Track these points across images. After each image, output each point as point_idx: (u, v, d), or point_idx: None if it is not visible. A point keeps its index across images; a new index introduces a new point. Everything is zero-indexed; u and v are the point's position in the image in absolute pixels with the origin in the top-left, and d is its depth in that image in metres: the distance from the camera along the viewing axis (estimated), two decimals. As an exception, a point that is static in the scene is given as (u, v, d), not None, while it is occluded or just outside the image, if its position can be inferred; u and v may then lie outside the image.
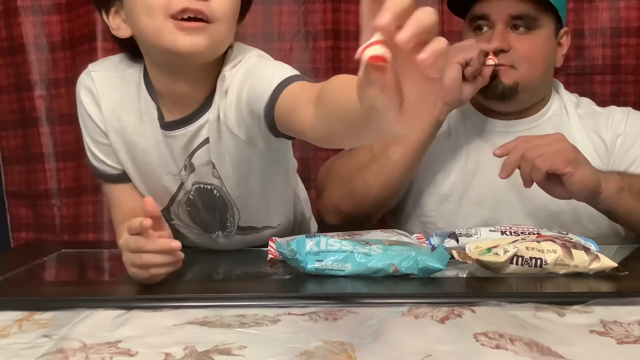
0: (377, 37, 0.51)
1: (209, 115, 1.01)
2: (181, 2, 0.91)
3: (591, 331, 0.73)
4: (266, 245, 1.07)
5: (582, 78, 1.71)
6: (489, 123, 1.37)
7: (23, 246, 1.74)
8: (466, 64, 1.21)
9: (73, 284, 1.03)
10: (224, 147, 1.02)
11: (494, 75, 1.26)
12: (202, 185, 1.07)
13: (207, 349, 0.67)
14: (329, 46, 1.76)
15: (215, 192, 1.08)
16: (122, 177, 1.10)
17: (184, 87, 1.00)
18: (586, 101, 1.41)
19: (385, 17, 0.49)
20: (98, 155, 1.10)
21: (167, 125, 1.03)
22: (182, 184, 1.08)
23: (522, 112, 1.36)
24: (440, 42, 0.49)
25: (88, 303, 0.82)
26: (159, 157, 1.06)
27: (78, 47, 1.78)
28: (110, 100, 1.07)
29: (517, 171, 1.27)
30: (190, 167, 1.05)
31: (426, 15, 0.49)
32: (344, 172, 1.32)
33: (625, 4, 1.72)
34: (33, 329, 0.76)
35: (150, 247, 0.86)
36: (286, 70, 0.93)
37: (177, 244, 0.87)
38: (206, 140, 1.02)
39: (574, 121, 1.35)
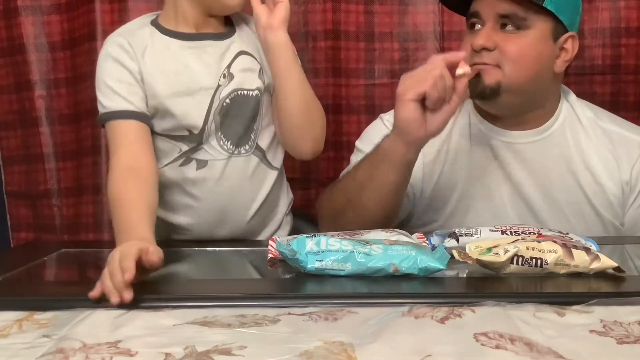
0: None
1: (235, 38, 1.25)
2: None
3: (591, 331, 0.73)
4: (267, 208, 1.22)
5: (582, 78, 1.70)
6: (489, 129, 1.33)
7: (23, 246, 1.74)
8: (423, 96, 1.09)
9: (73, 284, 1.03)
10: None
11: (477, 74, 1.22)
12: (240, 92, 1.23)
13: (207, 349, 0.67)
14: (329, 46, 1.76)
15: (256, 94, 1.24)
16: (137, 115, 1.19)
17: (213, 24, 1.25)
18: (605, 117, 1.35)
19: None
20: (120, 92, 1.19)
21: (195, 37, 1.23)
22: (215, 93, 1.21)
23: (522, 121, 1.31)
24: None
25: (88, 303, 0.82)
26: (193, 73, 1.21)
27: (78, 47, 1.78)
28: (138, 45, 1.21)
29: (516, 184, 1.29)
30: (230, 76, 1.23)
31: None
32: (328, 212, 1.29)
33: (625, 4, 1.72)
34: (33, 329, 0.76)
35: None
36: None
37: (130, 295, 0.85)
38: (239, 54, 1.24)
39: (586, 136, 1.31)
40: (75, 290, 0.94)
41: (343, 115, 1.78)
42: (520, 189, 1.30)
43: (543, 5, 1.22)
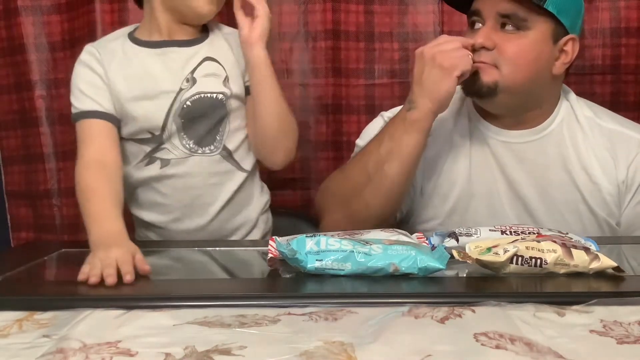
0: None
1: (203, 46, 1.29)
2: None
3: (591, 331, 0.73)
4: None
5: (582, 78, 1.70)
6: (488, 128, 1.33)
7: (23, 246, 1.74)
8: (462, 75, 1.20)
9: (73, 284, 1.02)
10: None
11: (475, 72, 1.23)
12: (202, 95, 1.27)
13: (207, 349, 0.67)
14: (329, 46, 1.76)
15: (220, 97, 1.27)
16: (104, 115, 1.26)
17: (185, 31, 1.30)
18: (605, 116, 1.35)
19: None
20: (89, 94, 1.26)
21: (160, 44, 1.28)
22: (177, 96, 1.25)
23: (520, 121, 1.31)
24: None
25: (88, 303, 0.82)
26: (156, 77, 1.26)
27: (78, 47, 1.76)
28: (107, 53, 1.29)
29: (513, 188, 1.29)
30: (192, 81, 1.27)
31: None
32: (341, 195, 1.31)
33: (625, 4, 1.72)
34: (33, 329, 0.76)
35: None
36: None
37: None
38: (205, 59, 1.28)
39: (584, 135, 1.31)
40: (75, 290, 0.94)
41: (343, 115, 1.78)
42: (518, 188, 1.31)
43: (544, 6, 1.21)
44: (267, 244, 1.05)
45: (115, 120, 1.27)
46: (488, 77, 1.24)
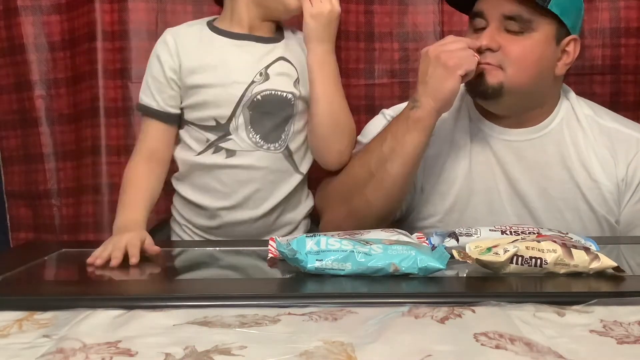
0: None
1: (280, 44, 1.34)
2: None
3: (591, 331, 0.73)
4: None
5: (582, 78, 1.70)
6: (488, 127, 1.34)
7: (23, 246, 1.73)
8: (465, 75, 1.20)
9: (73, 284, 1.03)
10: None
11: (480, 73, 1.24)
12: (273, 92, 1.31)
13: (207, 349, 0.67)
14: (329, 46, 1.76)
15: (289, 97, 1.32)
16: (166, 117, 1.33)
17: (264, 29, 1.35)
18: (604, 114, 1.36)
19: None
20: (152, 89, 1.33)
21: (238, 36, 1.33)
22: (248, 88, 1.29)
23: (521, 120, 1.32)
24: None
25: (88, 303, 0.82)
26: (230, 67, 1.30)
27: (78, 47, 1.78)
28: (185, 40, 1.33)
29: (514, 184, 1.29)
30: (265, 76, 1.31)
31: None
32: (343, 192, 1.31)
33: (625, 4, 1.72)
34: (33, 329, 0.76)
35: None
36: None
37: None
38: (279, 58, 1.32)
39: (584, 134, 1.32)
40: (75, 290, 0.94)
41: (343, 115, 1.78)
42: (517, 186, 1.31)
43: (548, 7, 1.21)
44: (267, 244, 1.05)
45: (172, 119, 1.33)
46: (493, 78, 1.24)
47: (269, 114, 1.31)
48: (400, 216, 1.37)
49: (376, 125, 1.37)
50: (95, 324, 0.75)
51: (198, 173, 1.34)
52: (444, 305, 0.79)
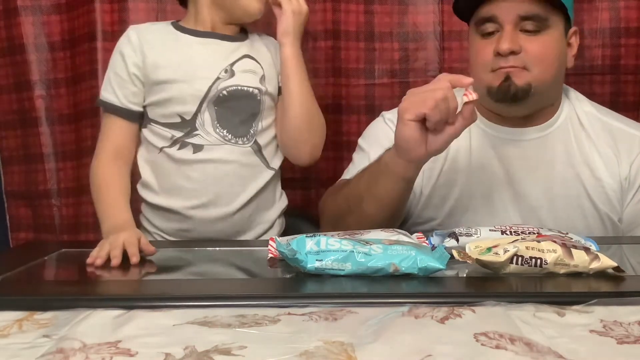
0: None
1: (246, 43, 1.35)
2: None
3: (591, 331, 0.73)
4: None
5: (582, 78, 1.70)
6: (491, 128, 1.33)
7: (23, 246, 1.73)
8: (424, 117, 1.07)
9: (73, 284, 1.02)
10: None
11: (506, 77, 1.23)
12: (239, 87, 1.31)
13: (207, 349, 0.67)
14: (329, 46, 1.76)
15: (254, 92, 1.33)
16: (127, 114, 1.32)
17: (228, 29, 1.35)
18: (605, 112, 1.36)
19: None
20: (114, 85, 1.32)
21: (203, 34, 1.34)
22: (214, 84, 1.29)
23: (530, 119, 1.32)
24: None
25: (88, 303, 0.82)
26: (194, 64, 1.30)
27: (78, 47, 1.78)
28: (149, 36, 1.33)
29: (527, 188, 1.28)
30: (230, 72, 1.31)
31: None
32: (329, 216, 1.32)
33: (625, 4, 1.72)
34: (33, 329, 0.76)
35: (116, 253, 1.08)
36: None
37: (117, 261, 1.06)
38: (244, 56, 1.33)
39: (585, 131, 1.32)
40: (75, 290, 0.94)
41: (343, 115, 1.78)
42: (520, 187, 1.31)
43: (562, 0, 1.22)
44: (267, 244, 1.05)
45: (134, 116, 1.33)
46: (521, 80, 1.24)
47: (235, 109, 1.32)
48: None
49: (376, 128, 1.37)
50: (95, 324, 0.75)
51: (164, 173, 1.33)
52: (444, 305, 0.79)
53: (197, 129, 1.30)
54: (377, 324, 0.74)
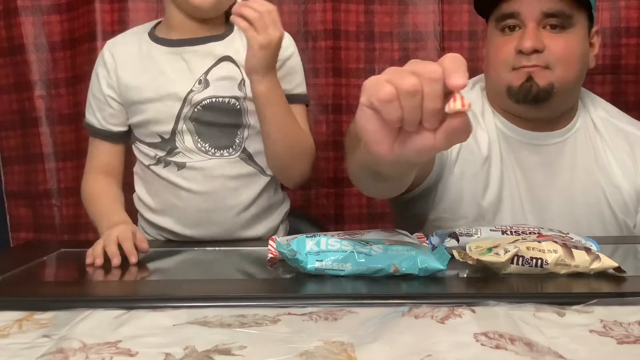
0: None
1: (225, 42, 1.24)
2: None
3: (591, 331, 0.73)
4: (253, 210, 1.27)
5: (582, 78, 1.70)
6: (512, 130, 1.28)
7: (23, 246, 1.73)
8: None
9: (73, 284, 1.02)
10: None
11: (528, 77, 1.19)
12: (215, 100, 1.22)
13: (207, 349, 0.67)
14: (329, 46, 1.76)
15: (232, 102, 1.23)
16: (109, 136, 1.29)
17: (201, 28, 1.24)
18: (618, 115, 1.33)
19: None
20: (94, 107, 1.29)
21: (175, 43, 1.25)
22: (186, 98, 1.22)
23: (551, 122, 1.28)
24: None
25: (88, 303, 0.82)
26: (167, 79, 1.23)
27: (78, 47, 1.78)
28: (123, 54, 1.27)
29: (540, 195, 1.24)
30: (205, 83, 1.22)
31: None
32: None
33: (625, 4, 1.72)
34: (33, 329, 0.76)
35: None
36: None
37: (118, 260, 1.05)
38: (222, 59, 1.23)
39: (601, 136, 1.29)
40: (75, 290, 0.94)
41: (343, 115, 1.79)
42: (539, 193, 1.27)
43: None
44: (267, 244, 1.05)
45: (116, 137, 1.29)
46: (543, 80, 1.20)
47: (214, 122, 1.23)
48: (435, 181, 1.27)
49: None
50: (95, 324, 0.75)
51: (156, 191, 1.28)
52: (444, 305, 0.79)
53: (177, 147, 1.24)
54: (377, 324, 0.74)
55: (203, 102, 1.22)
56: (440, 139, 0.67)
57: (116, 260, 1.03)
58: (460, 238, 1.07)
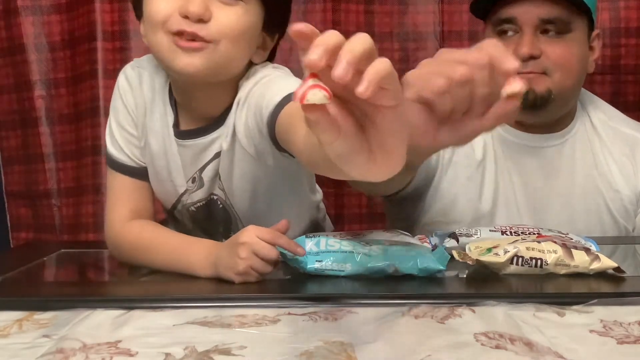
0: (311, 80, 0.46)
1: (223, 130, 1.02)
2: (178, 24, 0.92)
3: (591, 331, 0.73)
4: None
5: (582, 78, 1.70)
6: (510, 133, 1.28)
7: (23, 246, 1.74)
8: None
9: (73, 284, 1.02)
10: (234, 162, 1.02)
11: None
12: (210, 199, 1.09)
13: (207, 349, 0.67)
14: (329, 46, 1.76)
15: (219, 204, 1.09)
16: (132, 171, 1.09)
17: (199, 102, 1.03)
18: (617, 118, 1.32)
19: (315, 53, 0.45)
20: (119, 141, 1.09)
21: (181, 134, 1.06)
22: (182, 196, 1.10)
23: (550, 125, 1.27)
24: (378, 65, 0.44)
25: (88, 303, 0.82)
26: (169, 165, 1.07)
27: (78, 47, 1.78)
28: (143, 96, 1.07)
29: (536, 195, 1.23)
30: (199, 182, 1.07)
31: (359, 44, 0.44)
32: None
33: (625, 4, 1.72)
34: (33, 329, 0.76)
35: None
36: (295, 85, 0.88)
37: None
38: (217, 155, 1.04)
39: (600, 139, 1.28)
40: (75, 290, 0.94)
41: (343, 115, 1.78)
42: (537, 196, 1.27)
43: (584, 1, 1.18)
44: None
45: (145, 173, 1.10)
46: (540, 86, 1.19)
47: (210, 218, 1.12)
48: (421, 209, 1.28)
49: None
50: (95, 324, 0.75)
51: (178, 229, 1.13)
52: (444, 305, 0.79)
53: (177, 218, 1.15)
54: (377, 324, 0.74)
55: (197, 204, 1.11)
56: (489, 122, 0.67)
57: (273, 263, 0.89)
58: (459, 238, 1.07)
